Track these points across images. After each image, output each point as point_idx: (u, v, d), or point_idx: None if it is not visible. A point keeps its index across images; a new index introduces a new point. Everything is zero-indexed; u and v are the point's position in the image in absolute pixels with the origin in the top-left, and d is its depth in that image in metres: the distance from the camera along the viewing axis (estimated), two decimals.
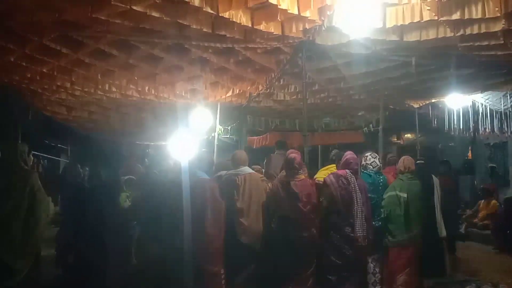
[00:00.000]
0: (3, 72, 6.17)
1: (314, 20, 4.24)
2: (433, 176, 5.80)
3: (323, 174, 5.32)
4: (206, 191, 4.51)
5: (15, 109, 7.88)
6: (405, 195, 5.00)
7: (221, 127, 8.84)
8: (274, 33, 4.49)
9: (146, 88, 6.97)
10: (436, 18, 3.98)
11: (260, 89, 7.21)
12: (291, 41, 5.09)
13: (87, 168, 5.94)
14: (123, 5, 3.72)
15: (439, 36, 4.41)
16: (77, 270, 5.12)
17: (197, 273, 4.28)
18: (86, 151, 12.15)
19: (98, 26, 4.46)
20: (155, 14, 3.91)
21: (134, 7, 3.74)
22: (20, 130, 8.24)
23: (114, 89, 6.90)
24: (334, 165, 5.31)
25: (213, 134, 8.62)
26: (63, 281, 5.28)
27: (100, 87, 6.77)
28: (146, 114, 9.48)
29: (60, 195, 7.39)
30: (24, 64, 5.69)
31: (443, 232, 5.54)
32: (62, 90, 7.10)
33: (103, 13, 3.98)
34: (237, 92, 7.40)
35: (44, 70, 5.99)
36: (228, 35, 4.57)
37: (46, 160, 12.27)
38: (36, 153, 10.13)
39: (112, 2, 3.66)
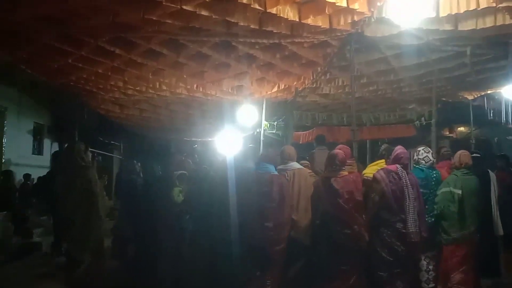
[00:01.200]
0: (61, 74, 6.54)
1: (363, 12, 4.18)
2: (489, 171, 5.52)
3: (372, 169, 5.20)
4: (282, 186, 4.53)
5: (73, 109, 8.32)
6: (460, 192, 4.79)
7: (267, 122, 8.87)
8: (322, 26, 4.46)
9: (195, 85, 7.14)
10: (494, 5, 3.81)
11: (306, 83, 7.17)
12: (338, 34, 5.04)
13: (139, 164, 6.16)
14: (174, 5, 3.85)
15: (497, 24, 4.20)
16: (133, 262, 5.34)
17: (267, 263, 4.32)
18: (137, 148, 12.60)
19: (150, 27, 4.63)
20: (204, 12, 4.00)
21: (184, 7, 3.86)
22: (77, 129, 8.70)
23: (164, 87, 7.13)
24: (384, 160, 5.18)
25: (259, 130, 8.67)
26: (120, 273, 5.52)
27: (151, 85, 7.02)
28: (194, 111, 9.70)
29: (116, 190, 7.72)
30: (80, 65, 6.00)
31: (500, 230, 5.27)
32: (116, 89, 7.42)
33: (155, 14, 4.12)
34: (283, 87, 7.41)
35: (99, 71, 6.28)
36: (275, 31, 4.59)
37: (100, 157, 12.83)
38: (92, 150, 10.63)
39: (164, 3, 3.78)
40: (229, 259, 4.13)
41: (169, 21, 4.33)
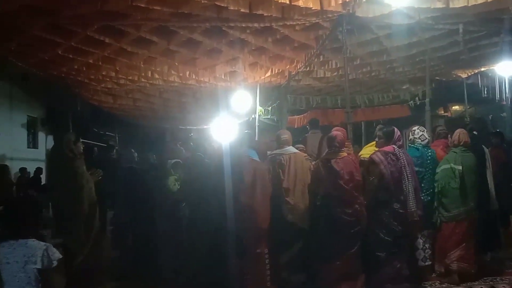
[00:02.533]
0: (52, 65, 6.47)
1: None
2: (484, 148, 5.56)
3: (368, 150, 5.23)
4: (257, 171, 4.54)
5: (65, 101, 8.27)
6: (460, 168, 4.82)
7: (261, 108, 8.85)
8: (313, 8, 4.41)
9: (187, 73, 7.09)
10: None
11: (299, 67, 7.13)
12: (330, 16, 4.98)
13: (136, 154, 6.14)
14: None
15: (488, 0, 4.16)
16: (132, 251, 5.37)
17: (243, 251, 4.36)
18: (133, 138, 12.56)
19: (139, 14, 4.57)
20: None
21: None
22: (70, 120, 8.65)
23: (156, 76, 7.08)
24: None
25: (253, 116, 8.65)
26: (120, 261, 5.56)
27: (143, 74, 6.97)
28: (188, 98, 9.66)
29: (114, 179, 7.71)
30: (71, 56, 5.94)
31: (496, 205, 5.33)
32: (108, 79, 7.35)
33: (143, 1, 4.07)
34: (276, 72, 7.37)
35: (90, 61, 6.22)
36: (265, 14, 4.53)
37: (96, 148, 12.80)
38: (87, 141, 10.58)
39: None
40: (226, 244, 4.16)
41: (158, 8, 4.27)
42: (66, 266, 3.96)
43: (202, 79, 7.45)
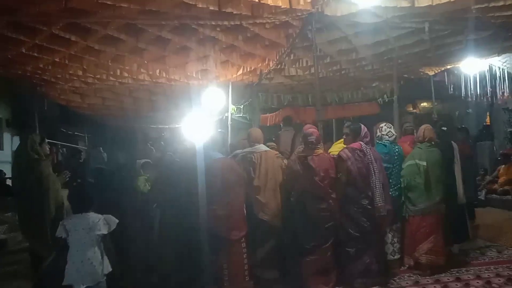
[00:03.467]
0: (16, 64, 6.26)
1: None
2: (453, 142, 5.73)
3: (337, 148, 5.31)
4: (225, 169, 4.56)
5: (31, 101, 8.01)
6: (425, 163, 4.96)
7: (234, 106, 8.82)
8: (282, 6, 4.42)
9: (157, 71, 6.98)
10: None
11: (270, 65, 7.14)
12: (299, 14, 5.01)
13: (105, 154, 6.03)
14: None
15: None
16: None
17: (221, 246, 4.39)
18: (103, 138, 12.30)
19: (105, 12, 4.47)
20: None
21: None
22: (36, 121, 8.39)
23: (125, 74, 6.95)
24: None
25: (226, 114, 8.61)
26: None
27: (111, 73, 6.82)
28: (159, 97, 9.52)
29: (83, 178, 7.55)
30: (35, 54, 5.76)
31: (463, 199, 5.50)
32: (75, 78, 7.17)
33: None
34: (248, 70, 7.35)
35: (56, 59, 6.05)
36: (235, 12, 4.52)
37: (65, 149, 12.48)
38: (54, 141, 10.29)
39: None
40: (197, 245, 4.15)
41: (125, 5, 4.19)
42: (33, 270, 3.86)
43: (172, 77, 7.35)
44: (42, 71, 6.66)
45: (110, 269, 3.57)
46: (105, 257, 3.55)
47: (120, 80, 7.30)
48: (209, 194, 4.39)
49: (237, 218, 4.55)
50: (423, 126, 5.33)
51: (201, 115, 8.23)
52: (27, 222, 4.06)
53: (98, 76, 6.97)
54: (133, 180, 4.97)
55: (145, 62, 6.51)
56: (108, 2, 4.07)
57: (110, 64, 6.41)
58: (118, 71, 6.79)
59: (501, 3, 4.49)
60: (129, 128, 12.87)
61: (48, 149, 4.30)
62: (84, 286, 3.39)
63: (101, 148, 5.86)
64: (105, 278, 3.54)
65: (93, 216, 3.53)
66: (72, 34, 5.20)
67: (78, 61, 6.24)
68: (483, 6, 4.62)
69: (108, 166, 5.77)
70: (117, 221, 3.57)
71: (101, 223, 3.50)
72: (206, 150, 4.63)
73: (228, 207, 4.49)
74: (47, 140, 4.56)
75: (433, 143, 5.18)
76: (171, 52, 6.22)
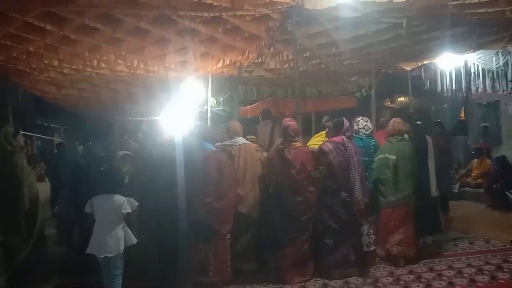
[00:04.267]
0: None
1: None
2: (427, 136, 5.85)
3: (316, 141, 5.36)
4: (220, 161, 4.58)
5: (4, 92, 7.78)
6: (394, 157, 5.07)
7: (213, 99, 8.77)
8: None
9: (135, 62, 6.86)
10: None
11: (250, 58, 7.12)
12: (279, 7, 5.00)
13: (81, 146, 5.93)
14: None
15: None
16: (80, 247, 5.19)
17: (211, 238, 4.44)
18: (79, 130, 12.09)
19: (82, 0, 4.36)
20: None
21: None
22: (10, 112, 8.17)
23: (102, 65, 6.80)
24: (325, 132, 5.33)
25: (206, 107, 8.57)
26: (68, 258, 5.37)
27: (88, 63, 6.66)
28: (137, 89, 9.38)
29: (58, 173, 7.42)
30: (9, 43, 5.58)
31: (436, 192, 5.63)
32: (50, 68, 6.98)
33: None
34: (228, 62, 7.30)
35: (31, 49, 5.88)
36: (215, 3, 4.48)
37: (40, 141, 12.21)
38: (29, 133, 10.06)
39: None
40: (176, 237, 4.15)
41: None
42: (7, 263, 3.79)
43: (151, 68, 7.24)
44: (16, 61, 6.46)
45: (134, 241, 4.09)
46: (128, 232, 4.07)
47: (97, 71, 7.15)
48: (204, 186, 4.45)
49: (229, 212, 4.59)
50: (393, 119, 5.43)
51: (180, 107, 8.18)
52: (0, 215, 3.95)
53: (74, 67, 6.81)
54: None
55: (123, 53, 6.39)
56: None
57: (86, 54, 6.26)
58: (95, 62, 6.64)
59: (476, 0, 4.58)
60: (106, 120, 12.68)
61: (22, 141, 4.19)
62: (103, 256, 3.93)
63: (76, 142, 5.76)
64: (123, 250, 4.03)
65: (118, 197, 4.06)
66: (47, 23, 5.05)
67: (54, 51, 6.07)
68: (459, 2, 4.70)
69: (83, 159, 5.66)
70: (137, 203, 4.11)
71: (126, 204, 4.03)
72: (197, 141, 4.63)
73: (223, 200, 4.53)
74: (21, 132, 4.45)
75: (404, 136, 5.28)
76: (150, 43, 6.13)
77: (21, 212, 3.94)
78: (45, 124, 13.03)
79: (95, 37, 5.61)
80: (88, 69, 6.97)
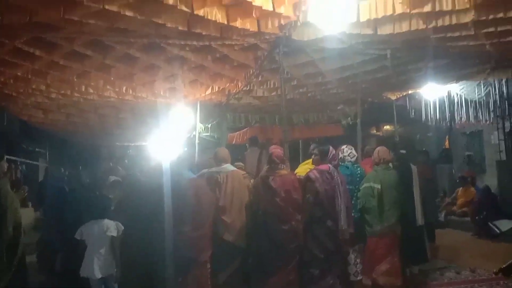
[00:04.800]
0: None
1: (289, 16, 4.29)
2: (411, 165, 5.91)
3: (304, 168, 5.37)
4: (199, 189, 4.56)
5: None
6: (379, 186, 5.09)
7: (201, 125, 8.81)
8: (250, 29, 4.50)
9: (124, 88, 6.90)
10: (408, 11, 4.06)
11: (239, 86, 7.21)
12: (267, 37, 5.11)
13: (67, 172, 5.86)
14: (96, 5, 3.69)
15: (412, 29, 4.48)
16: (61, 275, 5.06)
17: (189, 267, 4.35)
18: (65, 155, 11.96)
19: (72, 27, 4.40)
20: (129, 13, 3.88)
21: (107, 7, 3.71)
22: None
23: (91, 91, 6.83)
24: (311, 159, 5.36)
25: (194, 133, 8.59)
26: (46, 286, 5.22)
27: (76, 89, 6.69)
28: (125, 114, 9.39)
29: (41, 199, 7.29)
30: None
31: (422, 220, 5.65)
32: (38, 93, 6.98)
33: (76, 14, 3.93)
34: (216, 89, 7.39)
35: (18, 74, 5.88)
36: (204, 33, 4.55)
37: (24, 165, 12.02)
38: (14, 158, 9.91)
39: (85, 3, 3.62)
40: (161, 265, 4.08)
41: (92, 22, 4.15)
42: None
43: (140, 94, 7.29)
44: (3, 85, 6.46)
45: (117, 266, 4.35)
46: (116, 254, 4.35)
47: (85, 96, 7.17)
48: (181, 215, 4.36)
49: (207, 239, 4.53)
50: (378, 148, 5.49)
51: (168, 133, 8.19)
52: None
53: (62, 92, 6.82)
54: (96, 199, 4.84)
55: (112, 79, 6.43)
56: (75, 18, 4.01)
57: (75, 80, 6.29)
58: (83, 87, 6.66)
59: (457, 34, 4.74)
60: (93, 145, 12.59)
61: (6, 166, 4.13)
62: (98, 277, 4.23)
63: (61, 167, 5.70)
64: (115, 270, 4.36)
65: (107, 221, 4.40)
66: (36, 49, 5.09)
67: (42, 76, 6.09)
68: (441, 35, 4.86)
69: (69, 185, 5.58)
70: (122, 227, 4.40)
71: (112, 227, 4.37)
72: (178, 169, 4.61)
73: (199, 228, 4.46)
74: (5, 157, 4.39)
75: (390, 165, 5.33)
76: (139, 70, 6.19)
77: (4, 239, 3.85)
78: (30, 149, 12.88)
79: (84, 63, 5.66)
80: (76, 94, 6.99)
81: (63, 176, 5.59)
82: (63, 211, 5.12)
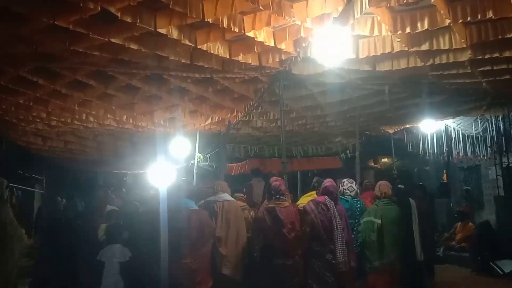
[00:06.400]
0: None
1: (290, 51, 4.38)
2: (410, 199, 5.88)
3: (306, 200, 5.34)
4: (201, 220, 4.54)
5: None
6: (379, 221, 5.05)
7: (200, 154, 8.83)
8: (252, 63, 4.60)
9: (124, 117, 6.94)
10: (406, 49, 4.16)
11: (239, 117, 7.28)
12: (268, 71, 5.21)
13: (63, 200, 5.80)
14: (102, 38, 3.76)
15: (409, 66, 4.60)
16: None
17: None
18: (62, 182, 11.87)
19: (76, 58, 4.47)
20: (133, 46, 3.96)
21: (113, 40, 3.78)
22: None
23: (91, 119, 6.86)
24: (315, 191, 5.35)
25: (192, 162, 8.59)
26: None
27: (77, 117, 6.72)
28: (124, 142, 9.41)
29: (37, 228, 7.20)
30: None
31: (421, 256, 5.58)
32: (38, 120, 7.00)
33: (81, 46, 4.00)
34: (216, 120, 7.45)
35: (20, 101, 5.92)
36: (206, 66, 4.64)
37: (20, 192, 11.90)
38: (11, 184, 9.83)
39: (91, 35, 3.69)
40: None
41: (97, 53, 4.23)
42: None
43: (140, 123, 7.33)
44: (4, 112, 6.49)
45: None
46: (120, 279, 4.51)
47: (85, 124, 7.20)
48: (182, 246, 4.34)
49: (207, 272, 4.49)
50: (379, 183, 5.49)
51: (167, 162, 8.19)
52: None
53: (63, 120, 6.85)
54: (94, 229, 4.80)
55: (113, 108, 6.48)
56: (80, 50, 4.08)
57: (76, 108, 6.33)
58: (84, 116, 6.70)
59: (454, 71, 4.85)
60: (90, 173, 12.53)
61: (7, 192, 4.11)
62: None
63: (58, 196, 5.66)
64: None
65: (117, 247, 4.60)
66: (39, 77, 5.13)
67: (43, 104, 6.12)
68: (438, 73, 4.96)
69: (65, 214, 5.53)
70: (130, 254, 4.57)
71: (119, 253, 4.56)
72: (179, 198, 4.59)
73: (199, 259, 4.44)
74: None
75: (391, 199, 5.31)
76: (140, 100, 6.24)
77: (9, 267, 3.78)
78: (27, 175, 12.78)
79: (86, 92, 5.71)
80: (76, 122, 7.02)
81: (59, 205, 5.53)
82: (56, 241, 5.06)
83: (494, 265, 7.58)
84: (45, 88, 5.51)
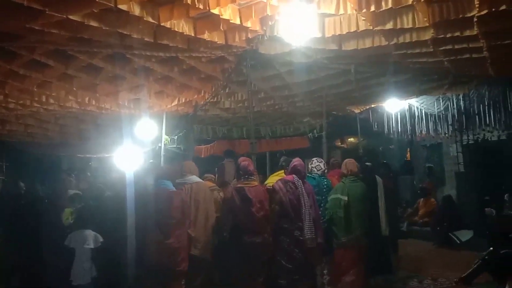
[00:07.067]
0: None
1: (256, 29, 4.33)
2: (377, 177, 6.02)
3: (274, 180, 5.38)
4: (183, 201, 4.57)
5: None
6: (346, 198, 5.17)
7: (167, 137, 8.70)
8: (218, 42, 4.52)
9: (87, 98, 6.71)
10: (371, 28, 4.19)
11: (206, 98, 7.19)
12: (235, 50, 5.14)
13: (23, 185, 5.60)
14: (59, 15, 3.58)
15: (374, 45, 4.64)
16: None
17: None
18: (23, 166, 11.46)
19: (33, 36, 4.25)
20: (93, 23, 3.79)
21: (71, 17, 3.61)
22: None
23: (52, 101, 6.60)
24: (283, 171, 5.41)
25: (159, 144, 8.47)
26: None
27: (36, 99, 6.44)
28: (87, 125, 9.14)
29: None
30: None
31: (387, 231, 5.76)
32: None
33: (38, 23, 3.80)
34: (183, 101, 7.33)
35: None
36: (171, 44, 4.52)
37: None
38: None
39: (47, 12, 3.51)
40: (128, 279, 3.98)
41: (55, 31, 4.03)
42: None
43: (103, 105, 7.11)
44: None
45: (95, 274, 4.53)
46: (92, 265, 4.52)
47: (45, 107, 6.92)
48: (166, 226, 4.36)
49: (187, 250, 4.54)
50: (345, 160, 5.60)
51: (133, 145, 8.03)
52: None
53: (21, 102, 6.56)
54: (57, 213, 4.68)
55: (74, 89, 6.24)
56: (37, 27, 3.88)
57: (35, 90, 6.06)
58: (44, 98, 6.43)
59: (417, 51, 4.93)
60: (53, 157, 12.14)
61: None
62: (77, 283, 4.46)
63: (19, 180, 5.45)
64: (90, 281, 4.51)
65: (88, 232, 4.56)
66: None
67: (0, 86, 5.83)
68: (402, 52, 5.04)
69: (25, 198, 5.35)
70: (101, 239, 4.56)
71: (91, 239, 4.52)
72: (158, 179, 4.54)
73: (181, 238, 4.49)
74: None
75: (357, 177, 5.43)
76: (103, 80, 6.04)
77: None
78: None
79: (45, 72, 5.47)
80: (36, 105, 6.74)
81: (21, 189, 5.33)
82: (19, 227, 4.90)
83: (453, 236, 7.94)
84: (0, 69, 5.25)
